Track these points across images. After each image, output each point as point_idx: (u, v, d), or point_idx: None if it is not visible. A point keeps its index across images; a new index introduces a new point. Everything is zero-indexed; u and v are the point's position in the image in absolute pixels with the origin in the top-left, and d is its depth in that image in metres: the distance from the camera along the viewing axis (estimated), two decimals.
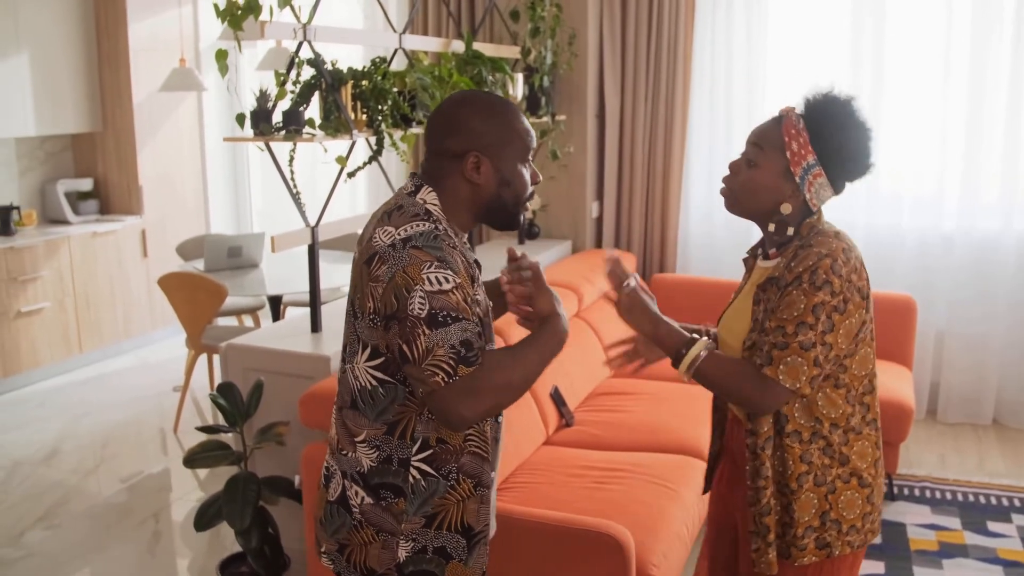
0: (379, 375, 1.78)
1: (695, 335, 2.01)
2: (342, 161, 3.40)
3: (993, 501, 4.08)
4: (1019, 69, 4.73)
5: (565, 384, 3.82)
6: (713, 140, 5.28)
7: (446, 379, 1.67)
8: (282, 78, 3.28)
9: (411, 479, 1.82)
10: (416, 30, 5.48)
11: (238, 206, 7.59)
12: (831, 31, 5.07)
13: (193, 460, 3.08)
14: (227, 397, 3.10)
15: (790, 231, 1.97)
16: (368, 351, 1.78)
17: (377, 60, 3.64)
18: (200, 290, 4.71)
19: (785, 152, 1.93)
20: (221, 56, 3.22)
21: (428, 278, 1.68)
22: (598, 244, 5.43)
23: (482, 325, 1.78)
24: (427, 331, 1.66)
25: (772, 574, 2.02)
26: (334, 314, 3.71)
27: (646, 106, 5.21)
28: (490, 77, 4.33)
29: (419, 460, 1.82)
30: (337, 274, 5.12)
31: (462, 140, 1.81)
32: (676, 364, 1.99)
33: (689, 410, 3.81)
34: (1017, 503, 4.06)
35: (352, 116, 3.47)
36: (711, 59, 5.24)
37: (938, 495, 4.13)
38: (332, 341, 3.34)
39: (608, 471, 3.22)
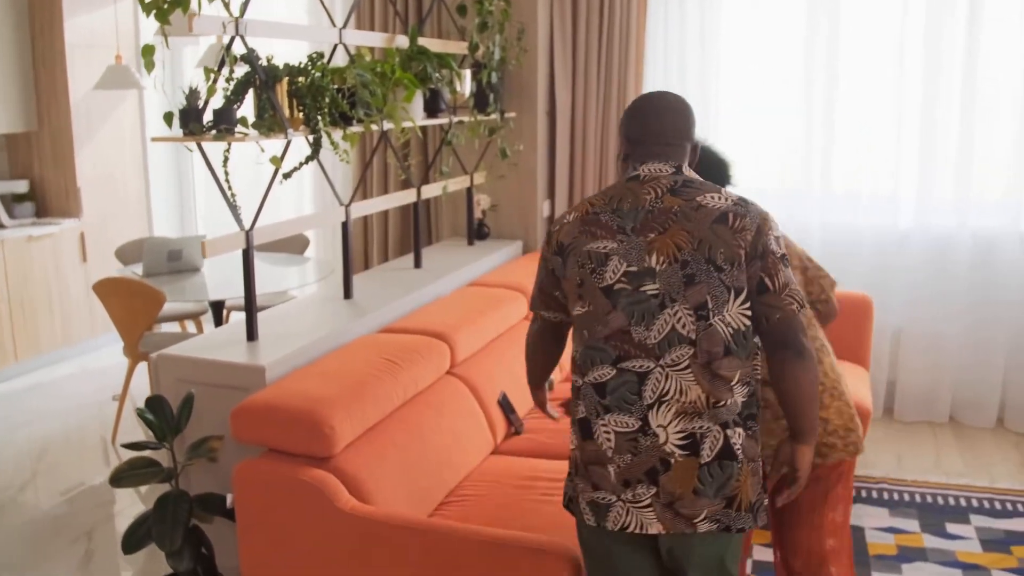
0: (748, 313, 2.06)
1: None
2: (276, 162, 3.24)
3: (951, 502, 4.03)
4: (972, 67, 4.69)
5: (513, 391, 3.70)
6: None
7: (799, 308, 2.05)
8: (212, 75, 3.12)
9: (757, 402, 2.12)
10: (362, 25, 5.33)
11: (182, 208, 7.37)
12: (785, 27, 5.00)
13: (120, 479, 2.91)
14: (156, 411, 2.94)
15: None
16: (741, 295, 2.04)
17: (314, 55, 3.48)
18: (136, 296, 4.52)
19: None
20: (148, 52, 3.05)
21: (772, 225, 2.08)
22: None
23: None
24: (783, 268, 2.05)
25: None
26: (272, 320, 3.55)
27: (598, 103, 5.10)
28: (436, 74, 4.19)
29: (759, 382, 2.15)
30: (281, 277, 4.96)
31: (694, 130, 2.20)
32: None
33: None
34: (975, 503, 4.02)
35: (288, 114, 3.32)
36: (664, 54, 5.14)
37: (896, 496, 4.08)
38: (269, 350, 3.19)
39: (557, 482, 3.10)
